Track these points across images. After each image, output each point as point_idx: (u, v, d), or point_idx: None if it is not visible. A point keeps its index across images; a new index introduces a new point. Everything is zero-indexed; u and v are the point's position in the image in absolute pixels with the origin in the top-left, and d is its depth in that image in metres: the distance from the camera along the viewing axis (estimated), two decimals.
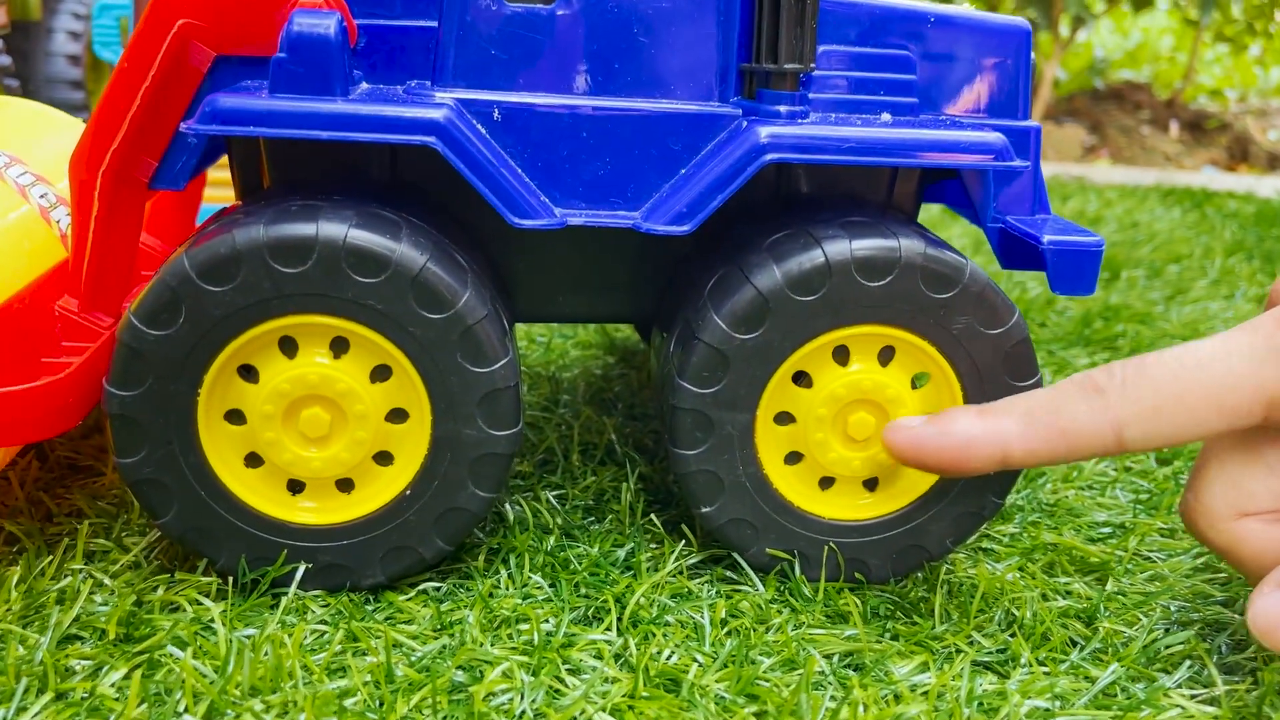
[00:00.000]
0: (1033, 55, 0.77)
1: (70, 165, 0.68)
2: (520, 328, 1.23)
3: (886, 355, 0.69)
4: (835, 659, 0.64)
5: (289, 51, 0.62)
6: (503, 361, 0.64)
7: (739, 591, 0.70)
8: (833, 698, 0.60)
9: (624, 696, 0.58)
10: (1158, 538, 0.81)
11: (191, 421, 0.64)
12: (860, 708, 0.58)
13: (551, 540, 0.74)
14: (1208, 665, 0.65)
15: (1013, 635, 0.67)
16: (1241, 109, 3.69)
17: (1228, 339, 0.60)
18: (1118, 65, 4.13)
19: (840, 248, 0.66)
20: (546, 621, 0.65)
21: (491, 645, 0.63)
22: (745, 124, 0.67)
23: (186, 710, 0.55)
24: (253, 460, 0.66)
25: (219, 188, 1.17)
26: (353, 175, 0.72)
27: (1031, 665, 0.64)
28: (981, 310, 0.67)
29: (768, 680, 0.61)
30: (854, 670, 0.63)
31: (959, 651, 0.65)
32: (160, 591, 0.66)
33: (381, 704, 0.57)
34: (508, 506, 0.78)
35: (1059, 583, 0.74)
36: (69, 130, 0.91)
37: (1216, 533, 0.63)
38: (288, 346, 0.64)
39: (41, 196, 0.78)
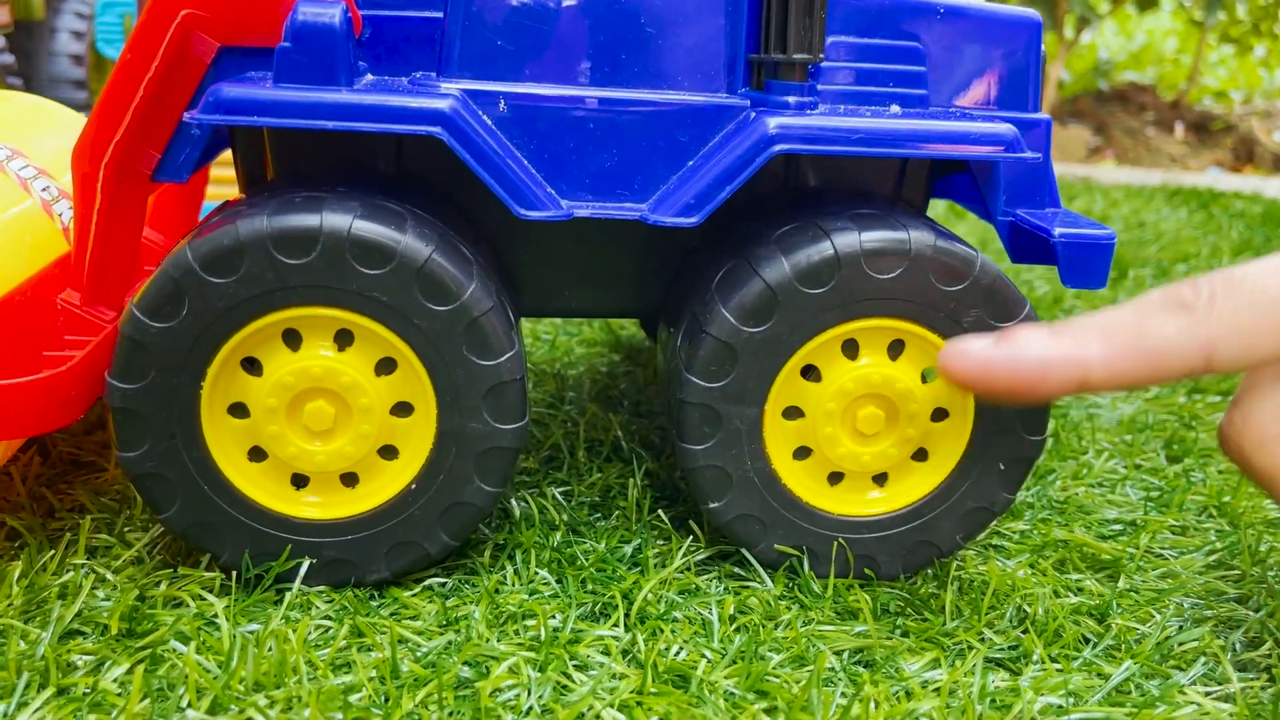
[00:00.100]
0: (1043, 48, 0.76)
1: (72, 157, 0.68)
2: (525, 326, 1.22)
3: (896, 349, 0.68)
4: (845, 655, 0.63)
5: (293, 41, 0.62)
6: (509, 354, 0.64)
7: (747, 588, 0.69)
8: (843, 694, 0.59)
9: (632, 693, 0.58)
10: (1169, 535, 0.81)
11: (194, 415, 0.63)
12: (871, 704, 0.58)
13: (558, 536, 0.74)
14: (1222, 662, 0.64)
15: (1024, 632, 0.66)
16: (1246, 110, 3.68)
17: None
18: (1122, 67, 4.12)
19: (849, 240, 0.65)
20: (553, 617, 0.65)
21: (498, 641, 0.62)
22: (753, 115, 0.66)
23: (190, 705, 0.54)
24: (256, 454, 0.65)
25: (221, 186, 1.17)
26: (358, 167, 0.71)
27: (1044, 662, 0.63)
28: (992, 303, 0.67)
29: (777, 676, 0.60)
30: (864, 667, 0.63)
31: (970, 648, 0.64)
32: (163, 587, 0.65)
33: (387, 699, 0.56)
34: (513, 503, 0.78)
35: (1070, 579, 0.73)
36: (71, 125, 0.91)
37: (1266, 455, 0.58)
38: (291, 339, 0.63)
39: (44, 190, 0.78)
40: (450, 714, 0.56)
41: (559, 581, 0.69)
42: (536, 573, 0.69)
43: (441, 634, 0.63)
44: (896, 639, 0.65)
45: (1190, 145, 3.44)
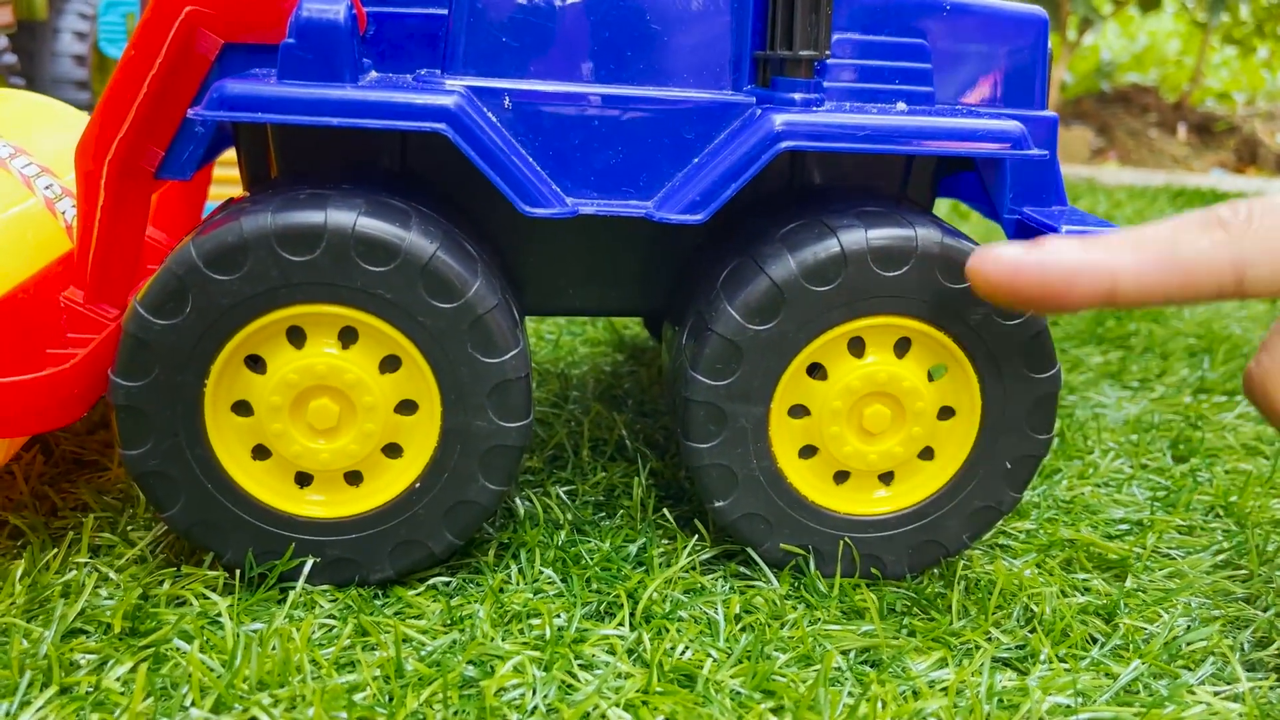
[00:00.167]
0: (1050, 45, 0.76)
1: (76, 155, 0.68)
2: (528, 325, 1.22)
3: (903, 347, 0.68)
4: (852, 655, 0.63)
5: (297, 37, 0.61)
6: (513, 352, 0.64)
7: (753, 587, 0.69)
8: (850, 693, 0.59)
9: (638, 692, 0.57)
10: (1176, 535, 0.80)
11: (198, 413, 0.63)
12: (879, 704, 0.57)
13: (562, 535, 0.73)
14: (1231, 662, 0.63)
15: (1032, 631, 0.66)
16: (1249, 112, 3.68)
17: None
18: (1125, 68, 4.12)
19: (856, 237, 0.65)
20: (558, 616, 0.64)
21: (502, 640, 0.62)
22: (759, 112, 0.66)
23: (193, 704, 0.54)
24: (260, 452, 0.65)
25: (224, 186, 1.16)
26: (362, 165, 0.71)
27: (1051, 661, 0.63)
28: None
29: (784, 676, 0.60)
30: (871, 666, 0.62)
31: (977, 648, 0.64)
32: (166, 586, 0.65)
33: (391, 699, 0.56)
34: (518, 502, 0.77)
35: (1077, 579, 0.72)
36: (74, 123, 0.90)
37: None
38: (295, 336, 0.63)
39: (47, 188, 0.77)
40: (455, 713, 0.55)
41: (564, 580, 0.68)
42: (541, 572, 0.69)
43: (446, 633, 0.62)
44: (903, 638, 0.65)
45: (1193, 147, 3.44)
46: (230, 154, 0.81)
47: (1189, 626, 0.67)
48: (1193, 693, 0.61)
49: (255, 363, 0.64)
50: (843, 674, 0.61)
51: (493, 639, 0.62)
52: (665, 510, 0.78)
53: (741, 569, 0.71)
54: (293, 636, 0.59)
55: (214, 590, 0.64)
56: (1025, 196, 0.75)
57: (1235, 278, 0.54)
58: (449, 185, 0.72)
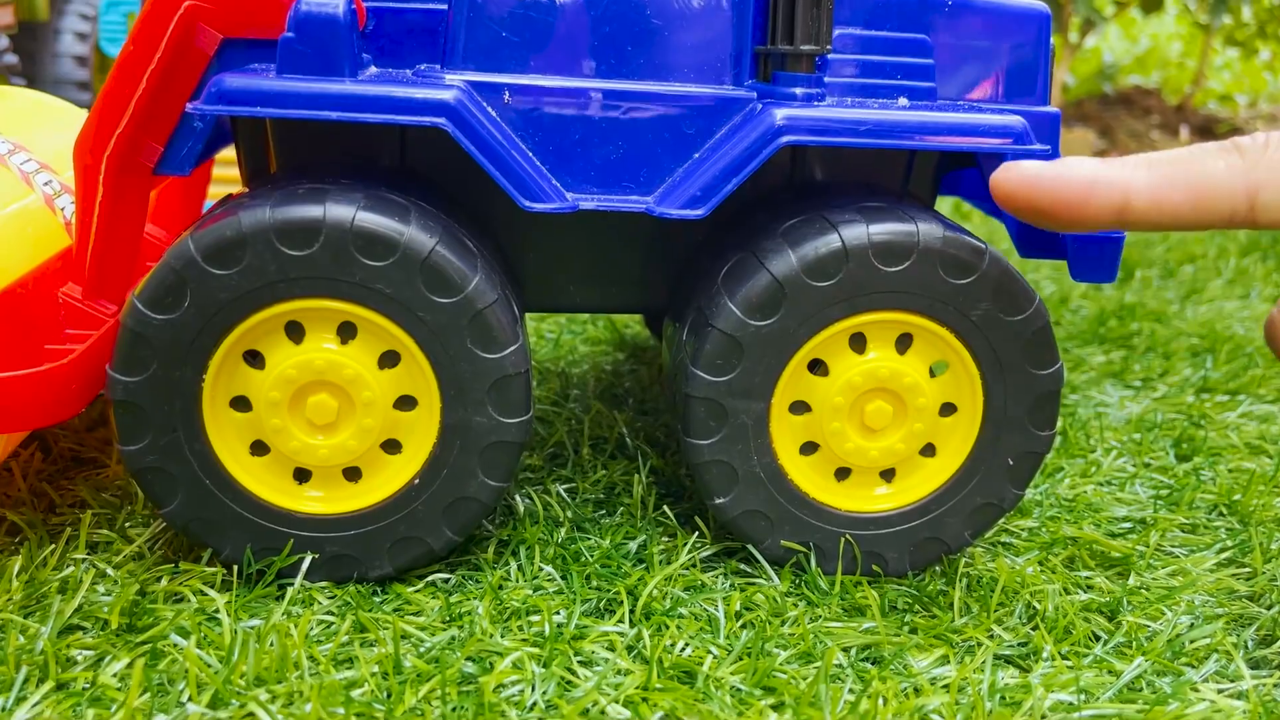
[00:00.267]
0: (1052, 40, 0.75)
1: (74, 150, 0.67)
2: (529, 325, 1.22)
3: (904, 343, 0.68)
4: (853, 652, 0.62)
5: (296, 31, 0.61)
6: (513, 347, 0.63)
7: (753, 584, 0.69)
8: (851, 690, 0.58)
9: (637, 688, 0.57)
10: (1179, 533, 0.80)
11: (196, 408, 0.62)
12: (880, 700, 0.57)
13: (562, 533, 0.73)
14: (1234, 659, 0.63)
15: (1034, 629, 0.65)
16: (1252, 114, 3.68)
17: None
18: (1127, 71, 4.11)
19: (857, 232, 0.65)
20: (558, 613, 0.64)
21: (501, 637, 0.61)
22: (760, 106, 0.66)
23: (190, 700, 0.54)
24: (258, 448, 0.65)
25: (223, 186, 1.16)
26: (361, 162, 0.71)
27: (1054, 659, 0.62)
28: (1001, 296, 0.66)
29: (784, 673, 0.59)
30: (872, 663, 0.62)
31: (979, 645, 0.64)
32: (164, 582, 0.65)
33: (389, 695, 0.56)
34: (517, 499, 0.77)
35: (1080, 577, 0.72)
36: (74, 120, 0.90)
37: None
38: (294, 332, 0.63)
39: (46, 184, 0.77)
40: (453, 709, 0.55)
41: (564, 577, 0.68)
42: (541, 569, 0.69)
43: (445, 630, 0.62)
44: (905, 635, 0.64)
45: None
46: (230, 152, 0.81)
47: (1192, 624, 0.67)
48: (1196, 690, 0.60)
49: (254, 358, 0.63)
50: (844, 671, 0.60)
51: (492, 635, 0.61)
52: (666, 507, 0.77)
53: (742, 566, 0.71)
54: (290, 632, 0.59)
55: (212, 587, 0.64)
56: None
57: (1248, 202, 0.54)
58: (449, 182, 0.72)
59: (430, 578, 0.68)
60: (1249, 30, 3.49)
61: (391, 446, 0.65)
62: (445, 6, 0.66)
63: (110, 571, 0.66)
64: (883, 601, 0.68)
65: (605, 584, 0.68)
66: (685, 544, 0.72)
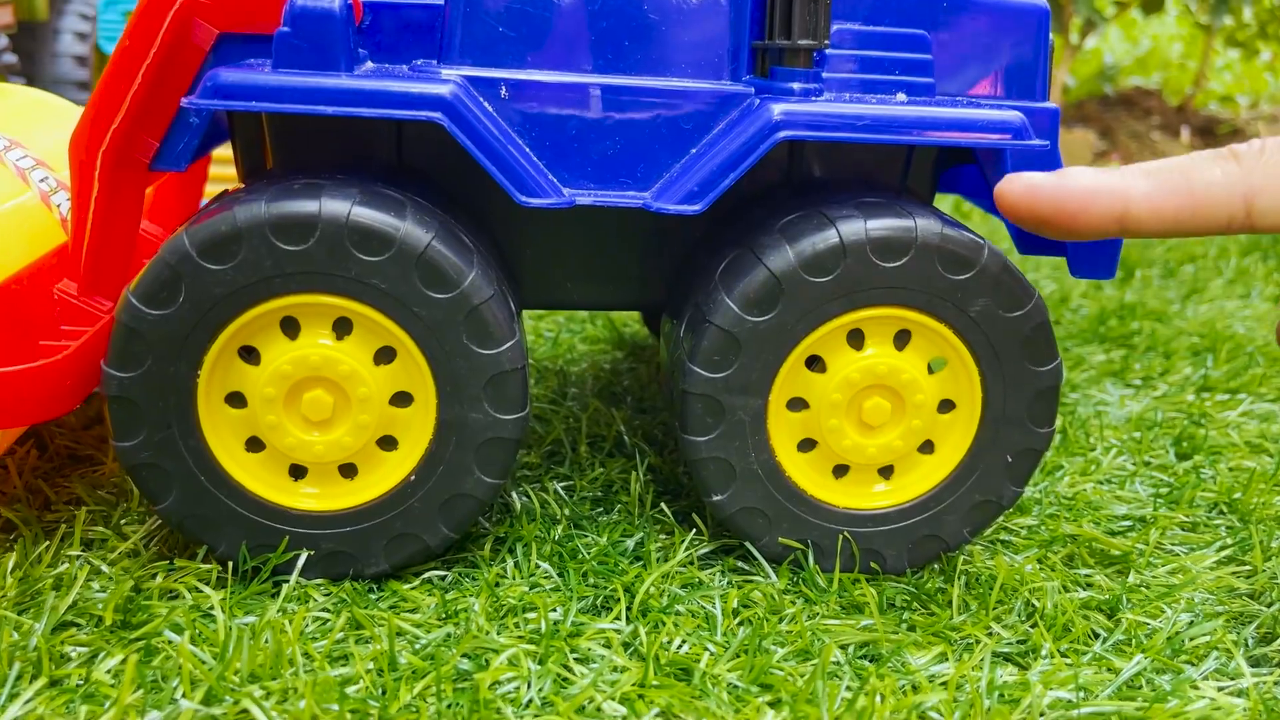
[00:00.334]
0: (1051, 37, 0.75)
1: (70, 145, 0.67)
2: (527, 324, 1.21)
3: (902, 339, 0.67)
4: (851, 649, 0.62)
5: (292, 26, 0.61)
6: (509, 343, 0.63)
7: (751, 582, 0.68)
8: (848, 687, 0.58)
9: (634, 685, 0.57)
10: (1179, 531, 0.80)
11: (191, 404, 0.62)
12: (878, 697, 0.56)
13: (559, 530, 0.73)
14: (1235, 657, 0.63)
15: (1033, 626, 0.65)
16: (1253, 115, 3.67)
17: None
18: (1128, 72, 4.11)
19: (855, 227, 0.64)
20: (554, 610, 0.64)
21: (498, 634, 0.61)
22: (758, 102, 0.65)
23: (184, 696, 0.53)
24: (254, 444, 0.64)
25: (219, 184, 1.16)
26: (357, 158, 0.71)
27: (1053, 656, 0.62)
28: (1000, 292, 0.66)
29: (781, 670, 0.59)
30: (870, 661, 0.61)
31: (978, 642, 0.63)
32: (159, 579, 0.64)
33: (384, 691, 0.55)
34: (514, 496, 0.77)
35: (1079, 574, 0.72)
36: (72, 118, 0.90)
37: None
38: (290, 327, 0.63)
39: (42, 181, 0.77)
40: (448, 706, 0.55)
41: (560, 575, 0.68)
42: (537, 566, 0.68)
43: (440, 626, 0.62)
44: (903, 633, 0.64)
45: (1197, 149, 3.43)
46: (229, 152, 0.81)
47: (1192, 622, 0.67)
48: (1196, 688, 0.60)
49: (249, 354, 0.63)
50: (841, 668, 0.60)
51: (488, 633, 0.61)
52: (663, 505, 0.77)
53: (740, 564, 0.70)
54: (285, 629, 0.59)
55: (207, 584, 0.64)
56: None
57: (1245, 208, 0.55)
58: (445, 178, 0.72)
59: (426, 575, 0.67)
60: (1250, 31, 3.49)
61: (387, 443, 0.65)
62: (442, 2, 0.66)
63: (105, 568, 0.65)
64: (881, 599, 0.67)
65: (602, 581, 0.67)
66: (683, 541, 0.71)
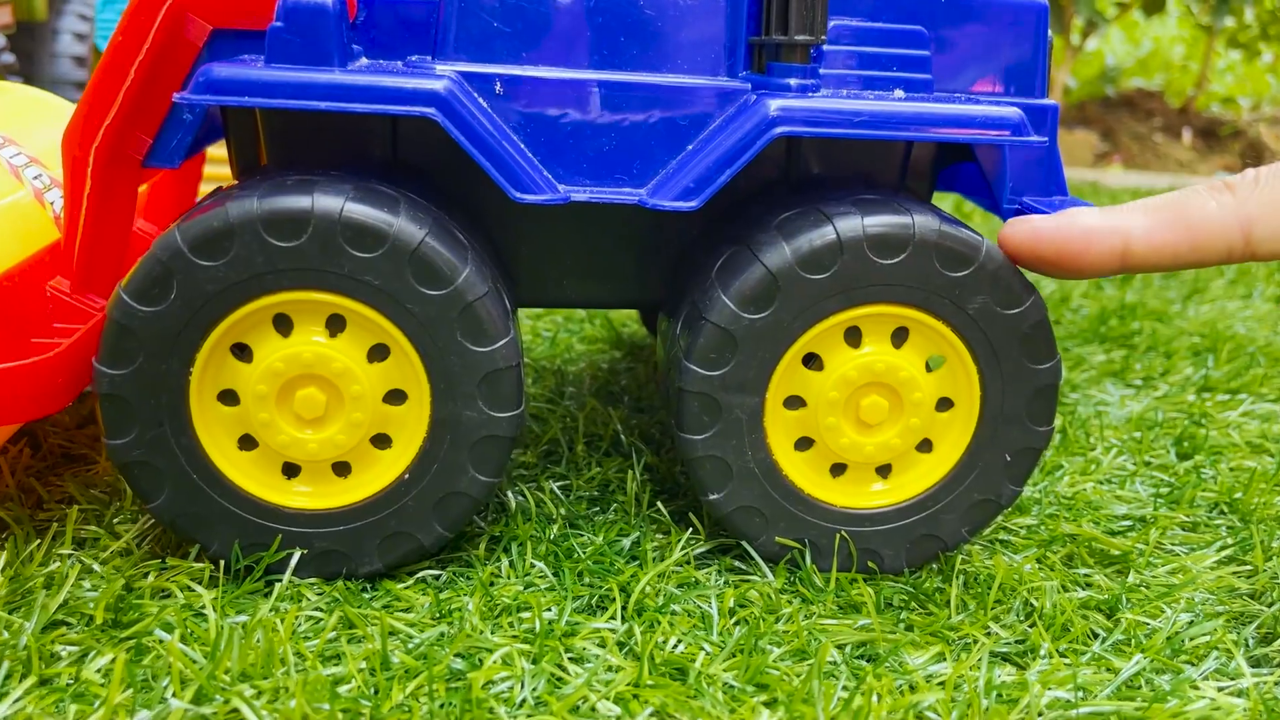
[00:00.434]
0: (1050, 34, 0.74)
1: (62, 142, 0.67)
2: (525, 324, 1.21)
3: (900, 336, 0.67)
4: (848, 649, 0.62)
5: (285, 21, 0.61)
6: (504, 340, 0.63)
7: (747, 581, 0.68)
8: (845, 687, 0.58)
9: (629, 685, 0.56)
10: (1179, 531, 0.79)
11: (183, 402, 0.62)
12: (874, 697, 0.56)
13: (555, 529, 0.72)
14: (1235, 657, 0.62)
15: (1032, 626, 0.64)
16: (1255, 116, 3.67)
17: None
18: (1129, 73, 4.10)
19: (852, 224, 0.64)
20: (549, 610, 0.63)
21: (491, 633, 0.61)
22: (754, 97, 0.65)
23: (174, 695, 0.53)
24: (246, 442, 0.64)
25: (214, 183, 1.16)
26: (353, 155, 0.70)
27: (1052, 656, 0.62)
28: (998, 289, 0.65)
29: (777, 669, 0.58)
30: (867, 660, 0.61)
31: (976, 642, 0.63)
32: (150, 578, 0.64)
33: (376, 691, 0.55)
34: (510, 495, 0.76)
35: (1079, 574, 0.71)
36: (66, 116, 0.89)
37: None
38: (282, 324, 0.62)
39: (36, 178, 0.77)
40: (441, 705, 0.54)
41: (555, 574, 0.67)
42: (532, 565, 0.68)
43: (434, 626, 0.61)
44: (900, 633, 0.63)
45: (1198, 151, 3.42)
46: (225, 153, 0.81)
47: (1192, 621, 0.66)
48: (1196, 688, 0.59)
49: (241, 351, 0.63)
50: (838, 667, 0.60)
51: (481, 632, 0.60)
52: (660, 504, 0.77)
53: (736, 563, 0.70)
54: (277, 628, 0.58)
55: (199, 583, 0.63)
56: (1025, 186, 0.74)
57: (1243, 238, 0.56)
58: (440, 175, 0.71)
59: (420, 574, 0.67)
60: (1251, 32, 3.48)
61: (381, 441, 0.65)
62: None
63: (96, 567, 0.65)
64: (878, 598, 0.67)
65: (597, 580, 0.67)
66: (679, 540, 0.71)
